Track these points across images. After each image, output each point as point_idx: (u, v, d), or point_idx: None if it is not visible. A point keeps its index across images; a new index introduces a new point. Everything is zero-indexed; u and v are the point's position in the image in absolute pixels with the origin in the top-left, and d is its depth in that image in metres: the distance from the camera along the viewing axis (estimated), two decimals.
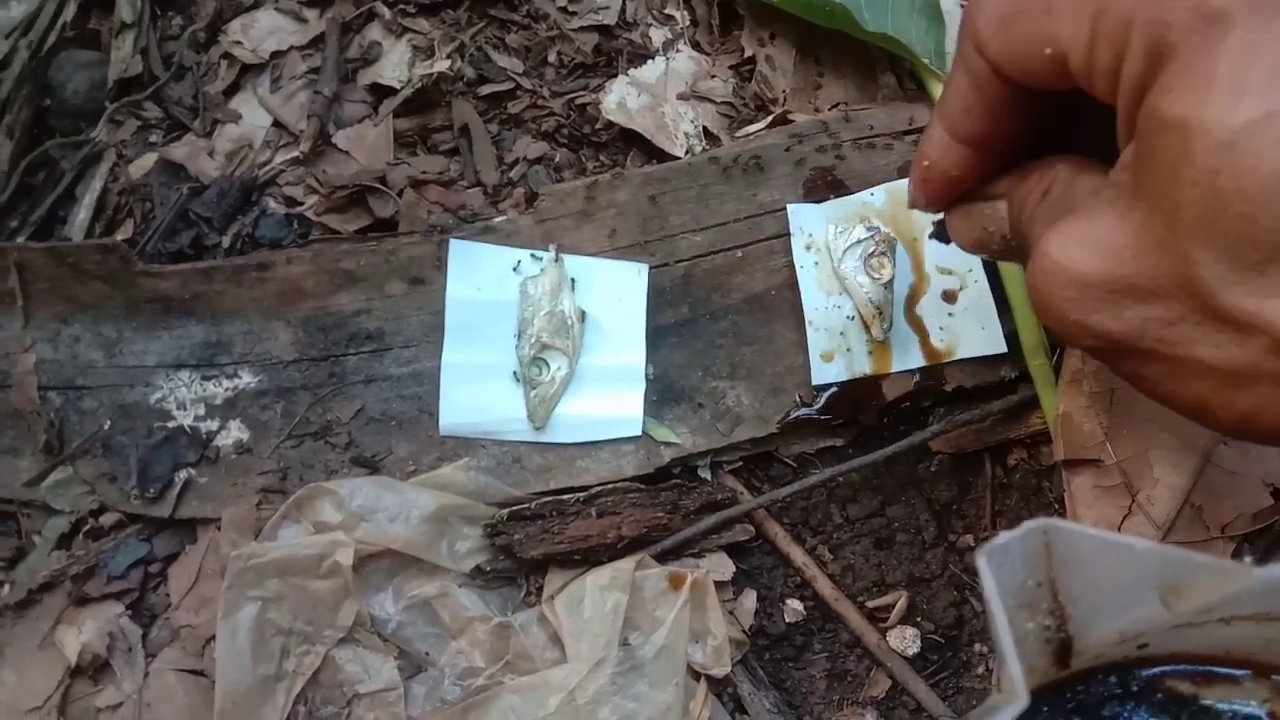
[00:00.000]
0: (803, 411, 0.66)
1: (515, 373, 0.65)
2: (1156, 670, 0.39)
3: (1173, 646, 0.38)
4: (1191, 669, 0.39)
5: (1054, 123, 0.45)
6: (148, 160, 0.73)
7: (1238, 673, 0.39)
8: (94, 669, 0.62)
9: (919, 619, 0.65)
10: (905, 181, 0.68)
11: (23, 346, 0.66)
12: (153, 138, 0.75)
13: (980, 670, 0.64)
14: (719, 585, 0.63)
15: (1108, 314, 0.37)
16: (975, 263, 0.67)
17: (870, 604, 0.65)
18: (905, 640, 0.64)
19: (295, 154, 0.73)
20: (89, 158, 0.74)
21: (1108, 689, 0.39)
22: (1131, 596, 0.33)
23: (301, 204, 0.72)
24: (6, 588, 0.64)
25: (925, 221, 0.65)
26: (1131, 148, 0.36)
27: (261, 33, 0.76)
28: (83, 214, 0.72)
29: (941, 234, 0.54)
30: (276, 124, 0.74)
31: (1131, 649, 0.37)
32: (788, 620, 0.65)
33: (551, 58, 0.75)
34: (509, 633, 0.60)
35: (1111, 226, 0.36)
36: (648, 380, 0.66)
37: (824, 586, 0.65)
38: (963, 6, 0.76)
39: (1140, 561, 0.32)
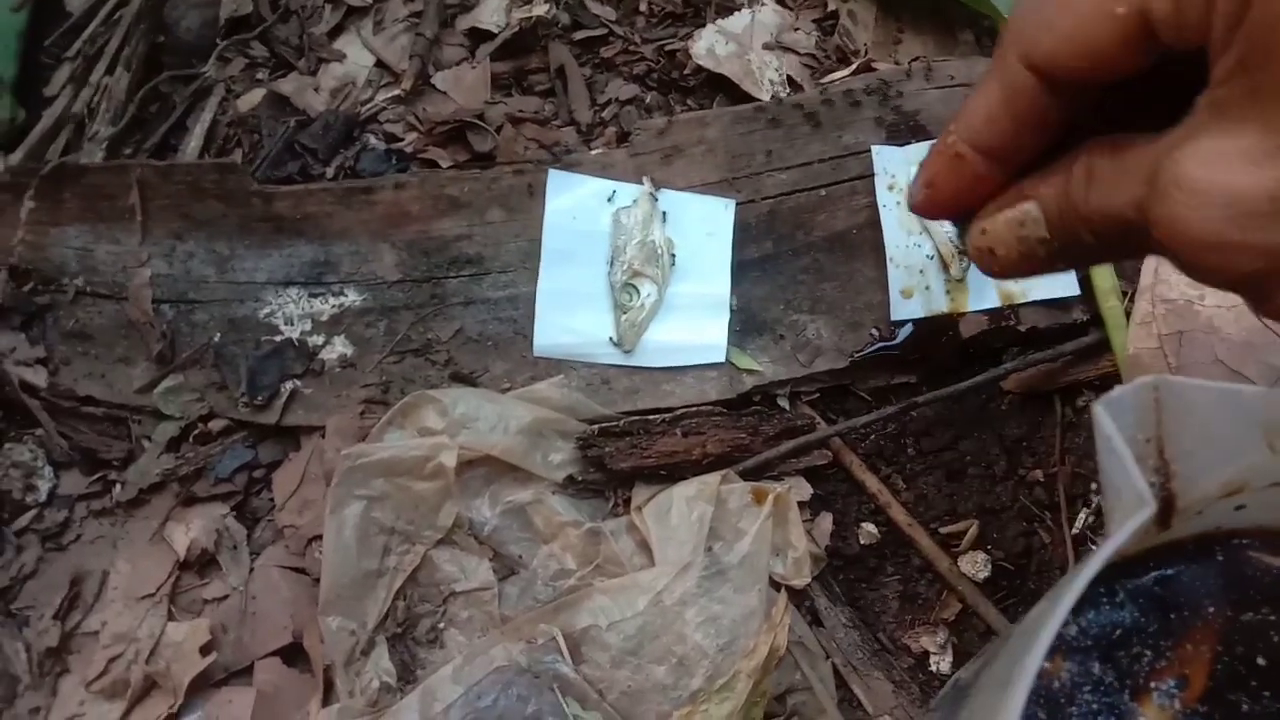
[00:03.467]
0: (881, 345, 0.69)
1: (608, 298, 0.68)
2: (1242, 541, 0.42)
3: (1264, 517, 0.41)
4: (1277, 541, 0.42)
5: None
6: (255, 95, 0.77)
7: None
8: (201, 564, 0.66)
9: (988, 547, 0.67)
10: None
11: (139, 261, 0.70)
12: (260, 75, 0.79)
13: None
14: (797, 506, 0.66)
15: (1274, 226, 0.33)
16: None
17: (942, 530, 0.67)
18: (977, 565, 0.66)
19: (396, 92, 0.76)
20: (199, 91, 0.78)
21: (1192, 555, 0.42)
22: (1238, 442, 0.35)
23: (401, 140, 0.75)
24: (119, 487, 0.68)
25: None
26: (1235, 53, 0.35)
27: None
28: (193, 143, 0.76)
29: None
30: (379, 64, 0.78)
31: (1229, 509, 0.40)
32: (862, 543, 0.67)
33: (643, 6, 0.78)
34: (599, 538, 0.63)
35: (1254, 132, 0.32)
36: (732, 311, 0.69)
37: (897, 513, 0.68)
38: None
39: (1246, 406, 0.34)
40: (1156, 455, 0.38)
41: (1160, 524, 0.40)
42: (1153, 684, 0.41)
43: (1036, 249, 0.42)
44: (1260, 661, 0.41)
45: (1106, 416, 0.35)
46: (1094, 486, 0.68)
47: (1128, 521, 0.31)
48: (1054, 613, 0.30)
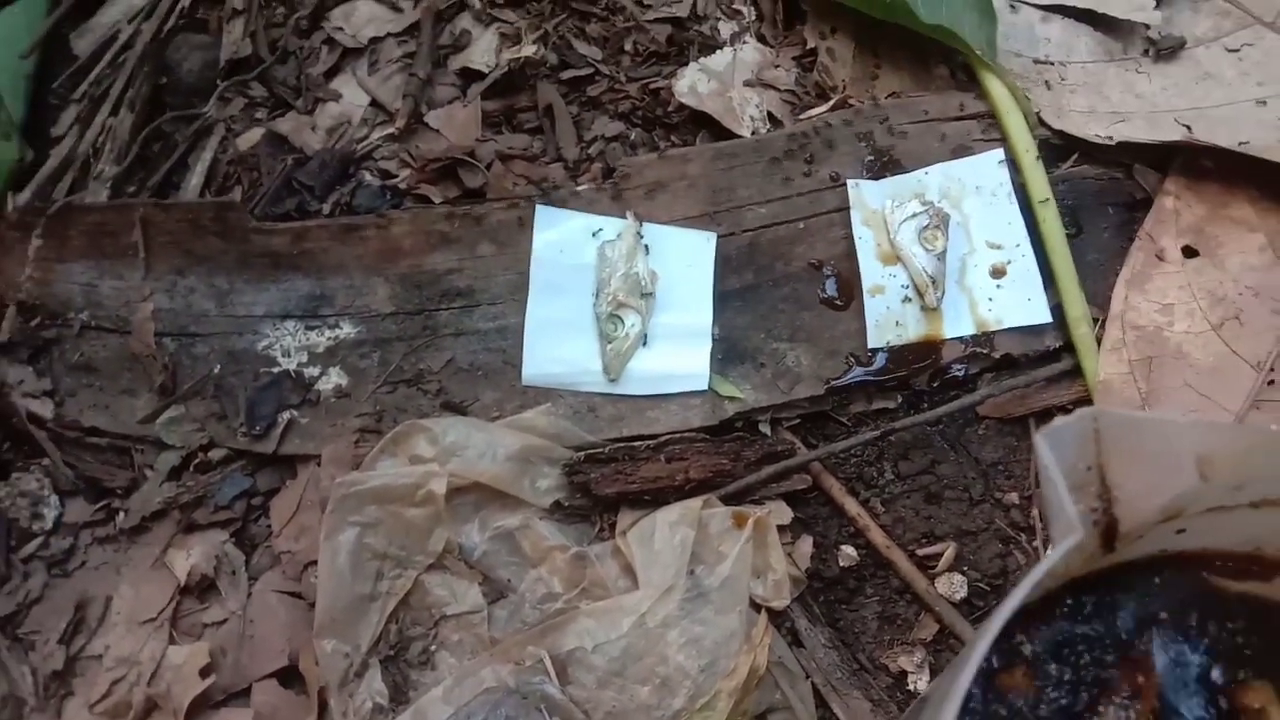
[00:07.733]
0: (859, 371, 0.71)
1: (594, 329, 0.71)
2: (1187, 563, 0.44)
3: (1208, 538, 0.43)
4: (1226, 566, 0.44)
5: None
6: (255, 134, 0.80)
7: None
8: (201, 589, 0.68)
9: (965, 568, 0.69)
10: (957, 162, 0.74)
11: (142, 296, 0.72)
12: (259, 114, 0.81)
13: None
14: (778, 530, 0.68)
15: None
16: (1023, 237, 0.72)
17: (920, 552, 0.69)
18: (953, 586, 0.68)
19: (390, 131, 0.79)
20: (201, 130, 0.80)
21: (1147, 578, 0.44)
22: (1172, 469, 0.37)
23: (395, 176, 0.78)
24: (122, 514, 0.70)
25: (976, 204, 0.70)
26: None
27: (361, 20, 0.83)
28: (195, 180, 0.79)
29: None
30: (374, 103, 0.81)
31: (1170, 533, 0.41)
32: (841, 565, 0.69)
33: (628, 46, 0.81)
34: (585, 562, 0.65)
35: None
36: (714, 340, 0.71)
37: (876, 535, 0.70)
38: (1012, 6, 0.82)
39: (1179, 434, 0.36)
40: (1099, 482, 0.40)
41: (1105, 547, 0.42)
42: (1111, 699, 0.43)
43: None
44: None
45: (1045, 446, 0.37)
46: None
47: (1059, 545, 0.33)
48: (984, 634, 0.32)
